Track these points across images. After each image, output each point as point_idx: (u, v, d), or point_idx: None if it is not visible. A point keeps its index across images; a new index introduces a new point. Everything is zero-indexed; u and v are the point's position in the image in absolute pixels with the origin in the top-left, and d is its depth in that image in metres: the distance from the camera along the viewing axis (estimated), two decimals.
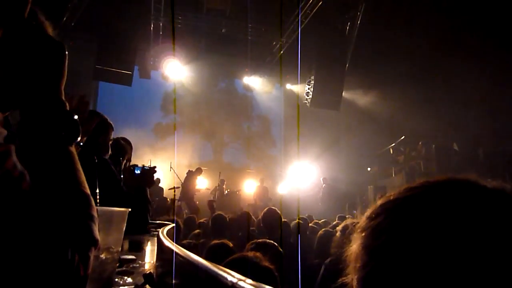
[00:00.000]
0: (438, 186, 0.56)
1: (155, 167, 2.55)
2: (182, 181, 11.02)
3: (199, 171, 11.03)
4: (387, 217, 0.57)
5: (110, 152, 2.26)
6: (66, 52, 0.78)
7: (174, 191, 11.05)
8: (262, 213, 4.26)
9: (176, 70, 13.07)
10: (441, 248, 0.49)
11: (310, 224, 5.40)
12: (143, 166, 2.56)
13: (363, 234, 0.59)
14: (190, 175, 10.83)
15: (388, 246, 0.54)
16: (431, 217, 0.52)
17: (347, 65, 12.56)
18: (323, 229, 3.97)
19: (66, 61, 0.77)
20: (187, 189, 10.48)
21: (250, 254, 1.61)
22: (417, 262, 0.50)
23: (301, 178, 13.13)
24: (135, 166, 2.67)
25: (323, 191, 12.27)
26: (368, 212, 0.61)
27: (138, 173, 2.52)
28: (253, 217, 5.98)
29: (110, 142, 2.34)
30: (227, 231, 4.41)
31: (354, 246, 0.60)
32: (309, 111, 13.52)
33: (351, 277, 0.60)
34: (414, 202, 0.56)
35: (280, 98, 15.47)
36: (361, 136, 14.06)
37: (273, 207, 4.37)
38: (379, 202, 0.61)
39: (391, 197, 0.59)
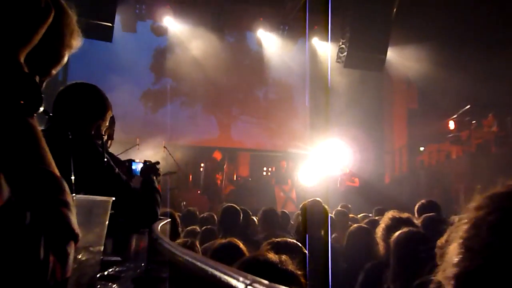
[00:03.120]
0: None
1: (158, 162, 2.65)
2: (179, 165, 11.17)
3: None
4: (496, 211, 0.61)
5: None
6: (52, 13, 0.79)
7: (169, 177, 11.18)
8: (300, 208, 4.29)
9: (169, 21, 13.00)
10: None
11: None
12: (145, 161, 2.64)
13: (465, 227, 0.64)
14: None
15: (495, 243, 0.58)
16: None
17: (394, 12, 12.29)
18: (354, 225, 3.99)
19: (44, 24, 0.78)
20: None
21: (271, 256, 1.62)
22: None
23: (331, 160, 13.12)
24: (132, 161, 2.71)
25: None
26: (472, 204, 0.65)
27: (141, 169, 2.62)
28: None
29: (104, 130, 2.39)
30: (237, 229, 4.48)
31: (455, 239, 0.66)
32: (343, 73, 13.36)
33: (445, 273, 0.65)
34: None
35: (305, 57, 15.32)
36: (410, 105, 13.89)
37: (317, 199, 4.36)
38: (487, 193, 0.65)
39: (503, 190, 0.63)
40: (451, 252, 0.65)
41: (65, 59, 1.00)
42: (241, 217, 4.60)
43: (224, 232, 4.20)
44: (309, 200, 4.28)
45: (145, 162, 2.66)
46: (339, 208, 6.65)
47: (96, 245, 1.13)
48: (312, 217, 3.98)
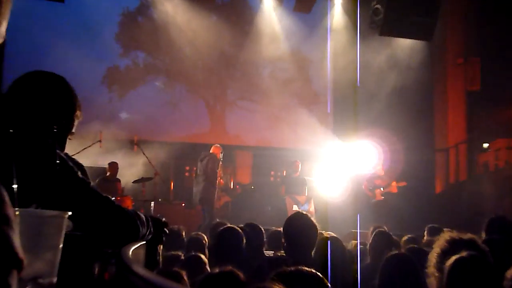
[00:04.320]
0: None
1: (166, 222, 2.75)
2: (156, 168, 11.16)
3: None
4: None
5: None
6: None
7: (143, 186, 11.18)
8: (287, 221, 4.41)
9: None
10: None
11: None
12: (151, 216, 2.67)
13: None
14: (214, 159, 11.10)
15: None
16: None
17: None
18: (391, 253, 4.01)
19: None
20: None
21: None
22: None
23: (361, 161, 13.09)
24: None
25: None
26: None
27: None
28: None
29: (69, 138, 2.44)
30: (236, 254, 4.52)
31: None
32: (378, 43, 13.32)
33: None
34: None
35: (326, 21, 15.27)
36: (470, 87, 13.82)
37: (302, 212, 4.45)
38: None
39: None
40: None
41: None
42: (244, 242, 4.65)
43: (216, 257, 4.21)
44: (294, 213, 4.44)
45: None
46: (374, 230, 6.64)
47: (46, 275, 1.14)
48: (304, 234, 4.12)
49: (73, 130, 2.44)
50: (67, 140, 2.45)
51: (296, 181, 12.53)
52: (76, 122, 2.44)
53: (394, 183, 12.32)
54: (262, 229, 5.44)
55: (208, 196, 10.97)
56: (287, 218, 4.43)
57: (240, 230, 4.81)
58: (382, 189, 12.33)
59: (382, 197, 12.24)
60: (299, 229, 4.22)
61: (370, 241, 5.56)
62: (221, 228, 4.95)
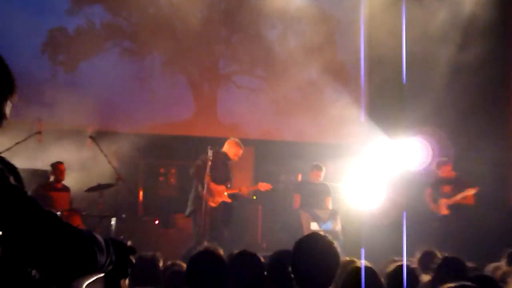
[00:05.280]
0: None
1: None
2: (118, 171, 11.11)
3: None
4: None
5: None
6: None
7: (100, 195, 11.06)
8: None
9: None
10: None
11: None
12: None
13: None
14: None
15: None
16: None
17: None
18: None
19: None
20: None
21: None
22: None
23: (409, 160, 12.99)
24: None
25: None
26: None
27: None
28: None
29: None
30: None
31: None
32: (428, 3, 13.28)
33: None
34: None
35: None
36: None
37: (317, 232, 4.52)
38: None
39: None
40: None
41: None
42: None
43: None
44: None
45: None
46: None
47: None
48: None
49: (6, 114, 2.36)
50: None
51: (316, 189, 12.60)
52: (8, 105, 2.36)
53: (470, 190, 12.25)
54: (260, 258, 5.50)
55: (194, 212, 11.12)
56: (296, 242, 4.58)
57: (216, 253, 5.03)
58: (450, 198, 12.28)
59: (448, 211, 12.19)
60: (312, 257, 4.35)
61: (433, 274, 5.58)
62: (195, 253, 5.11)
